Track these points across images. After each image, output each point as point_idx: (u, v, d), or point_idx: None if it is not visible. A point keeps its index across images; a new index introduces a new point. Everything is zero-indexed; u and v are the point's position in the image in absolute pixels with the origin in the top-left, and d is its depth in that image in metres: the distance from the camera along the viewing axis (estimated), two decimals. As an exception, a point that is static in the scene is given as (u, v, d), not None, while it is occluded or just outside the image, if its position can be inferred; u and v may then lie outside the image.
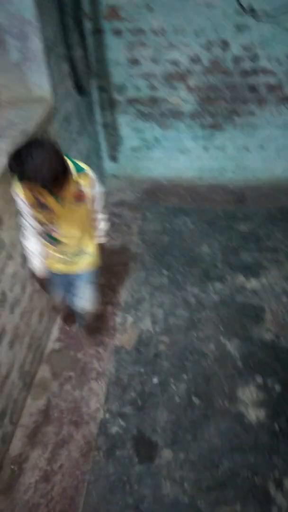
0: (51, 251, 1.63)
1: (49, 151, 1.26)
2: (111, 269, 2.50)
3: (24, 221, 1.52)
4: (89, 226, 1.64)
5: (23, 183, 1.36)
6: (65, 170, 1.30)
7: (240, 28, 2.50)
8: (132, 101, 2.84)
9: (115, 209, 2.96)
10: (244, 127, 2.86)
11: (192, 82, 2.72)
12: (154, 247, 2.66)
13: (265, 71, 2.62)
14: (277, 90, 2.69)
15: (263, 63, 2.60)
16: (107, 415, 1.80)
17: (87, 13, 2.46)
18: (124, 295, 2.34)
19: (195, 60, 2.63)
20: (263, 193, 2.98)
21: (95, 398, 1.87)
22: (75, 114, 2.40)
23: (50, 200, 1.42)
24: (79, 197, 1.48)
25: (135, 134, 2.99)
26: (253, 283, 2.35)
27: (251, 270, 2.42)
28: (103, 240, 1.73)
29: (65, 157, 1.33)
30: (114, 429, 1.75)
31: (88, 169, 1.48)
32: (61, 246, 1.60)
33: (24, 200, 1.42)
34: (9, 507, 1.54)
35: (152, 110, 2.85)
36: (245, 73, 2.65)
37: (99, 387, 1.91)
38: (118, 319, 2.20)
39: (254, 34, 2.51)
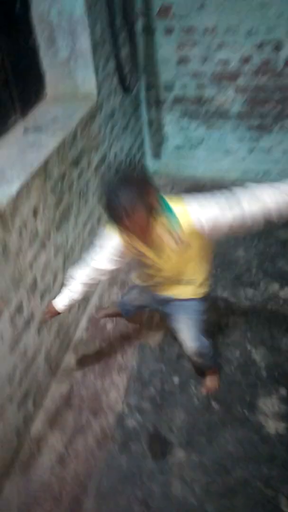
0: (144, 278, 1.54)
1: (136, 190, 1.15)
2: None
3: (97, 254, 1.40)
4: (199, 258, 1.43)
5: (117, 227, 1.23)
6: (151, 213, 1.17)
7: (294, 28, 2.41)
8: (179, 100, 2.84)
9: (154, 207, 2.98)
10: (292, 130, 2.77)
11: (241, 82, 2.66)
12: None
13: None
14: None
15: None
16: (125, 408, 1.83)
17: (137, 11, 2.48)
18: (154, 292, 2.36)
19: (246, 60, 2.57)
20: None
21: (115, 390, 1.91)
22: (120, 111, 2.44)
23: (146, 251, 1.33)
24: (179, 242, 1.31)
25: (180, 133, 2.98)
26: (287, 292, 2.28)
27: (283, 278, 2.35)
28: None
29: (157, 198, 1.21)
30: (131, 423, 1.78)
31: (183, 208, 1.29)
32: (156, 278, 1.48)
33: (119, 245, 1.33)
34: (24, 485, 1.62)
35: (199, 109, 2.83)
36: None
37: (120, 380, 1.95)
38: (145, 315, 2.22)
39: (309, 35, 2.41)
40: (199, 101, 2.80)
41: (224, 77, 2.67)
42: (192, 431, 1.73)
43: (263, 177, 3.00)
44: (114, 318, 2.15)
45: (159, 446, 1.71)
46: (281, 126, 2.78)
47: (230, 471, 1.60)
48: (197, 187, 3.11)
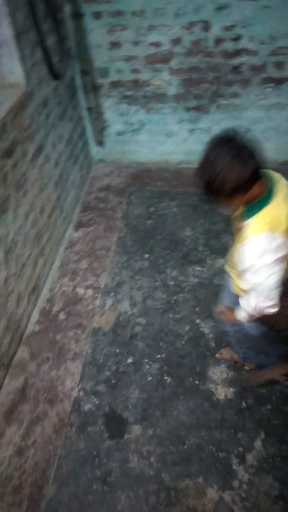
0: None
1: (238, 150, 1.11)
2: (93, 253, 2.54)
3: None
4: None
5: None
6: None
7: (221, 8, 2.45)
8: (115, 84, 2.83)
9: (101, 194, 2.99)
10: (229, 109, 2.84)
11: (174, 64, 2.69)
12: (137, 231, 2.69)
13: (247, 52, 2.58)
14: (260, 71, 2.65)
15: (246, 43, 2.55)
16: (81, 393, 1.86)
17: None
18: (105, 278, 2.38)
19: (176, 41, 2.60)
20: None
21: (70, 377, 1.93)
22: (54, 99, 2.42)
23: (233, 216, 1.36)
24: (237, 233, 1.33)
25: (120, 118, 2.99)
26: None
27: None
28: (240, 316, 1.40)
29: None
30: (87, 407, 1.81)
31: (251, 228, 1.21)
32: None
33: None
34: (-17, 478, 1.62)
35: (136, 93, 2.84)
36: (227, 54, 2.61)
37: (75, 367, 1.97)
38: (97, 302, 2.25)
39: (235, 14, 2.46)
40: (136, 85, 2.81)
41: (157, 60, 2.69)
42: (147, 407, 1.79)
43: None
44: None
45: (116, 425, 1.75)
46: (218, 105, 2.84)
47: (184, 440, 1.67)
48: (143, 172, 3.14)
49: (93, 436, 1.72)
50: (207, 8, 2.46)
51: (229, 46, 2.59)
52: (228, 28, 2.52)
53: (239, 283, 1.42)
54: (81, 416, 1.79)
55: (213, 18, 2.50)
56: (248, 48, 2.58)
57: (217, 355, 1.93)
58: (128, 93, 2.87)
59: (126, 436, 1.71)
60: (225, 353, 1.92)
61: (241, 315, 1.38)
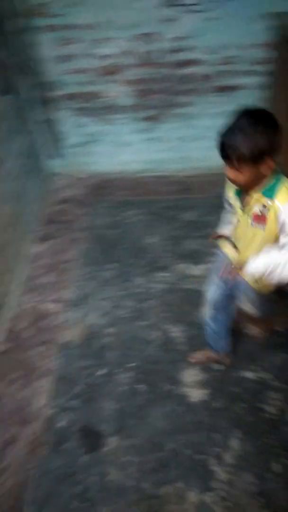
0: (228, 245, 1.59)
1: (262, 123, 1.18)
2: (59, 266, 2.51)
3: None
4: (257, 251, 1.37)
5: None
6: (268, 149, 1.18)
7: (169, 20, 2.53)
8: (69, 97, 2.84)
9: (62, 207, 2.96)
10: (183, 117, 2.91)
11: (127, 75, 2.74)
12: (102, 241, 2.68)
13: (196, 62, 2.67)
14: (210, 80, 2.74)
15: (194, 54, 2.64)
16: (54, 411, 1.82)
17: (9, 11, 2.44)
18: (72, 291, 2.35)
19: (127, 53, 2.65)
20: (206, 181, 3.03)
21: (42, 395, 1.88)
22: (6, 114, 2.38)
23: (236, 202, 1.41)
24: (257, 219, 1.33)
25: (77, 130, 2.99)
26: (196, 270, 2.41)
27: (195, 257, 2.48)
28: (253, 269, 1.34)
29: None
30: (61, 423, 1.77)
31: (282, 196, 1.26)
32: (234, 247, 1.54)
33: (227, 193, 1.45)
34: None
35: (91, 105, 2.86)
36: (178, 65, 2.69)
37: (46, 384, 1.92)
38: (66, 316, 2.21)
39: (183, 26, 2.54)
40: (90, 97, 2.83)
41: (110, 72, 2.72)
42: (122, 417, 1.77)
43: (164, 166, 3.11)
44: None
45: (92, 439, 1.72)
46: (172, 115, 2.91)
47: (161, 446, 1.67)
48: (104, 182, 3.15)
49: (69, 453, 1.68)
50: (155, 20, 2.53)
51: (178, 56, 2.66)
52: (177, 40, 2.60)
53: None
54: (55, 433, 1.74)
55: (162, 30, 2.57)
56: (197, 58, 2.67)
57: (190, 359, 1.94)
58: (83, 105, 2.88)
59: (103, 449, 1.68)
60: (199, 355, 1.94)
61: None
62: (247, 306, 1.66)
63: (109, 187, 3.11)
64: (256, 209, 1.33)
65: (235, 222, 1.50)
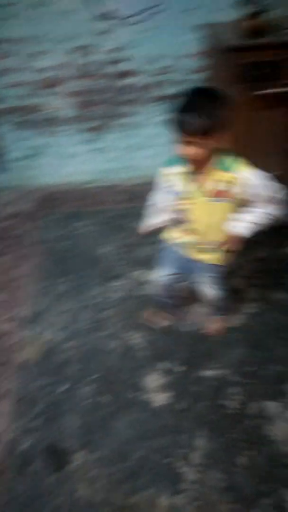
0: (177, 234, 1.66)
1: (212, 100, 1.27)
2: (11, 284, 2.44)
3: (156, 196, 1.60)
4: (223, 222, 1.53)
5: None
6: (218, 125, 1.27)
7: (102, 33, 2.57)
8: (10, 111, 2.79)
9: (10, 222, 2.89)
10: (126, 127, 2.95)
11: (66, 87, 2.74)
12: (54, 254, 2.64)
13: (134, 73, 2.73)
14: (150, 90, 2.81)
15: (130, 65, 2.70)
16: (16, 433, 1.75)
17: None
18: (26, 308, 2.29)
19: (65, 66, 2.65)
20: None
21: (3, 418, 1.81)
22: None
23: (187, 188, 1.46)
24: (219, 194, 1.45)
25: (20, 144, 2.94)
26: (151, 275, 2.43)
27: (148, 263, 2.50)
28: (240, 229, 1.52)
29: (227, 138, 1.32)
30: (23, 446, 1.71)
31: (240, 167, 1.41)
32: (191, 234, 1.61)
33: (166, 183, 1.51)
34: None
35: (32, 117, 2.83)
36: (116, 76, 2.73)
37: (5, 407, 1.85)
38: (21, 334, 2.15)
39: (117, 38, 2.60)
40: (31, 110, 2.80)
41: (48, 85, 2.71)
42: (87, 431, 1.74)
43: (111, 176, 3.14)
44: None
45: (57, 457, 1.67)
46: (115, 125, 2.94)
47: (129, 455, 1.66)
48: (51, 194, 3.12)
49: (35, 475, 1.62)
50: (89, 33, 2.56)
51: (116, 68, 2.71)
52: (113, 51, 2.65)
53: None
54: (19, 457, 1.68)
55: (96, 42, 2.60)
56: (133, 70, 2.73)
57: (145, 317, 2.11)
58: (25, 118, 2.84)
59: (69, 466, 1.64)
60: (149, 314, 2.13)
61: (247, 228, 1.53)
62: (210, 290, 1.82)
63: (57, 200, 3.08)
64: (216, 185, 1.44)
65: (183, 207, 1.54)
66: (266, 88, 2.23)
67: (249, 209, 1.50)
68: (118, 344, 2.07)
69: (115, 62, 2.67)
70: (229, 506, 1.50)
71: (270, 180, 1.44)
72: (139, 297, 2.31)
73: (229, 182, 1.42)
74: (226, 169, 1.42)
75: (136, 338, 2.09)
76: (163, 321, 2.10)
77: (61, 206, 3.02)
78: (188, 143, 1.32)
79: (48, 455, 1.68)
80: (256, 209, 1.49)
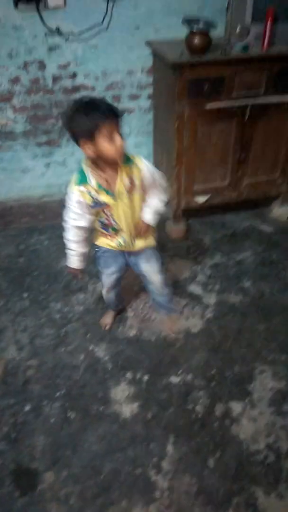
0: (107, 239, 1.76)
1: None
2: None
3: (69, 213, 1.64)
4: (140, 209, 1.69)
5: (86, 143, 1.40)
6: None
7: (52, 49, 2.58)
8: None
9: None
10: (79, 140, 2.96)
11: (17, 102, 2.71)
12: (10, 271, 2.58)
13: (85, 88, 2.76)
14: (101, 104, 2.85)
15: (82, 80, 2.73)
16: (-20, 460, 1.68)
17: None
18: (-17, 328, 2.21)
19: (15, 81, 2.63)
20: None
21: None
22: None
23: (104, 197, 1.54)
24: (130, 188, 1.57)
25: None
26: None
27: (109, 275, 2.52)
28: (150, 218, 1.72)
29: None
30: (-11, 472, 1.64)
31: (138, 159, 1.56)
32: (119, 234, 1.71)
33: (80, 200, 1.55)
34: None
35: (-18, 133, 2.77)
36: (67, 91, 2.75)
37: None
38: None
39: (67, 54, 2.62)
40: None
41: (0, 99, 2.68)
42: (56, 449, 1.70)
43: (65, 189, 3.11)
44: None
45: (26, 479, 1.62)
46: (68, 139, 2.94)
47: (100, 469, 1.64)
48: (4, 210, 3.04)
49: (3, 500, 1.56)
50: (39, 48, 2.56)
51: (67, 83, 2.72)
52: (63, 67, 2.66)
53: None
54: (-16, 484, 1.61)
55: (47, 58, 2.61)
56: (85, 84, 2.76)
57: (104, 327, 2.20)
58: (-26, 133, 2.77)
59: (39, 487, 1.60)
60: (106, 319, 2.22)
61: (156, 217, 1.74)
62: (155, 274, 1.92)
63: (11, 215, 3.02)
64: (127, 180, 1.55)
65: (108, 213, 1.63)
66: (213, 102, 2.35)
67: (150, 199, 1.69)
68: (82, 358, 2.06)
69: (65, 77, 2.69)
70: (202, 509, 1.53)
71: (156, 169, 1.66)
72: (101, 309, 2.31)
73: (135, 175, 1.57)
74: (129, 163, 1.54)
75: (101, 351, 2.09)
76: (111, 321, 2.22)
77: (16, 221, 2.97)
78: (117, 131, 1.40)
79: (17, 477, 1.62)
80: (154, 198, 1.69)
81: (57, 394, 1.90)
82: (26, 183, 3.04)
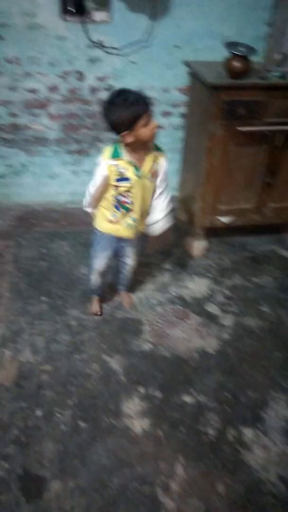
0: (112, 224, 1.89)
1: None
2: (-16, 303, 2.37)
3: (93, 182, 1.80)
4: (150, 202, 1.87)
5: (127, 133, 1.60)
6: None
7: (93, 61, 2.65)
8: (-6, 128, 2.78)
9: (-14, 240, 2.83)
10: (109, 151, 3.01)
11: (52, 110, 2.77)
12: (30, 274, 2.60)
13: (120, 100, 2.81)
14: (134, 118, 2.90)
15: (118, 93, 2.78)
16: (-12, 461, 1.67)
17: None
18: (0, 329, 2.22)
19: (53, 89, 2.69)
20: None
21: (-27, 446, 1.72)
22: None
23: (130, 173, 1.69)
24: (154, 174, 1.76)
25: (0, 161, 2.92)
26: (133, 297, 2.45)
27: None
28: (157, 228, 1.96)
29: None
30: (-4, 474, 1.63)
31: (163, 153, 1.77)
32: (128, 214, 1.84)
33: (105, 174, 1.71)
34: None
35: (15, 136, 2.82)
36: (102, 102, 2.79)
37: (-23, 432, 1.77)
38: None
39: (106, 67, 2.68)
40: (15, 128, 2.80)
41: (35, 106, 2.73)
42: (64, 458, 1.69)
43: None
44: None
45: (33, 486, 1.61)
46: (98, 149, 2.99)
47: (107, 484, 1.62)
48: (29, 213, 3.09)
49: (8, 505, 1.55)
50: (80, 59, 2.63)
51: (103, 95, 2.78)
52: (101, 79, 2.72)
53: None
54: (-10, 486, 1.60)
55: (86, 69, 2.67)
56: (121, 97, 2.80)
57: (94, 314, 2.31)
58: (6, 136, 2.83)
59: (45, 495, 1.58)
60: (95, 306, 2.33)
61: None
62: (134, 260, 2.17)
63: (36, 218, 3.06)
64: (152, 166, 1.74)
65: (128, 191, 1.76)
66: (246, 125, 2.37)
67: (158, 198, 1.88)
68: (96, 368, 2.05)
69: (103, 89, 2.75)
70: (208, 535, 1.50)
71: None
72: (118, 319, 2.31)
73: (157, 163, 1.76)
74: (157, 149, 1.75)
75: (115, 362, 2.08)
76: (100, 307, 2.33)
77: (40, 225, 3.00)
78: (151, 117, 1.60)
79: (23, 483, 1.61)
80: (163, 195, 1.87)
81: (69, 401, 1.90)
82: (52, 188, 3.09)
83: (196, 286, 2.58)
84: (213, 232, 2.91)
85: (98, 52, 2.61)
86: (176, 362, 2.10)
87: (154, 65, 2.71)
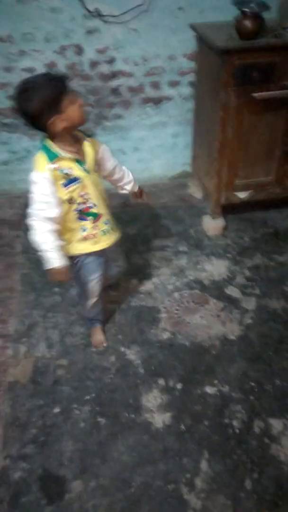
0: (89, 229, 1.64)
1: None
2: (-4, 297, 2.31)
3: (35, 205, 1.48)
4: (101, 188, 1.66)
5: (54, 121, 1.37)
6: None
7: (90, 32, 2.46)
8: (-8, 113, 2.65)
9: (-6, 231, 2.75)
10: (115, 130, 2.85)
11: (53, 89, 2.61)
12: (41, 265, 2.51)
13: (123, 74, 2.63)
14: (139, 92, 2.71)
15: (120, 65, 2.59)
16: (7, 461, 1.64)
17: None
18: (13, 323, 2.17)
19: (51, 66, 2.53)
20: (145, 193, 3.00)
21: (-8, 446, 1.69)
22: None
23: (77, 170, 1.47)
24: (100, 163, 1.63)
25: (2, 147, 2.80)
26: (146, 285, 2.35)
27: (143, 272, 2.42)
28: (134, 186, 1.89)
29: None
30: (16, 475, 1.60)
31: (91, 137, 1.59)
32: (100, 219, 1.65)
33: (51, 179, 1.42)
34: None
35: (16, 120, 2.69)
36: (104, 77, 2.62)
37: (-5, 432, 1.73)
38: (9, 352, 2.03)
39: (106, 37, 2.49)
40: (13, 112, 2.66)
41: (34, 86, 2.58)
42: (85, 457, 1.64)
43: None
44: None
45: (53, 486, 1.57)
46: (103, 127, 2.84)
47: (130, 482, 1.57)
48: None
49: (30, 507, 1.52)
50: (76, 32, 2.44)
51: (104, 68, 2.60)
52: (101, 51, 2.54)
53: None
54: (11, 487, 1.57)
55: (84, 42, 2.49)
56: (124, 70, 2.62)
57: (97, 347, 2.03)
58: (6, 121, 2.70)
59: (66, 496, 1.54)
60: (97, 337, 2.05)
61: None
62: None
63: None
64: (91, 156, 1.54)
65: (82, 192, 1.54)
66: (262, 91, 2.16)
67: (117, 174, 1.78)
68: (114, 360, 1.98)
69: (105, 62, 2.57)
70: (237, 534, 1.43)
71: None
72: (133, 308, 2.22)
73: (98, 152, 1.59)
74: (89, 136, 1.57)
75: (132, 354, 2.00)
76: (104, 337, 2.07)
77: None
78: (73, 93, 1.40)
79: (43, 484, 1.57)
80: (121, 171, 1.79)
81: (87, 397, 1.84)
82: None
83: (214, 268, 2.45)
84: (231, 209, 2.74)
85: (96, 22, 2.42)
86: (197, 351, 2.00)
87: (157, 31, 2.50)
